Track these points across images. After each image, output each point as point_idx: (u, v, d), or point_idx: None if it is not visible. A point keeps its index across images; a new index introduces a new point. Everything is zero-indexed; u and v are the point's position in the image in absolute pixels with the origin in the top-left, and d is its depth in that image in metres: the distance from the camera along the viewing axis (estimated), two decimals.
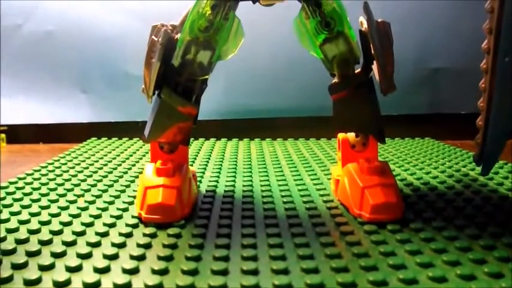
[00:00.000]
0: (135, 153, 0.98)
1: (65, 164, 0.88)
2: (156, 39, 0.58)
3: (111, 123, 1.18)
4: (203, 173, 0.80)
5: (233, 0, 0.58)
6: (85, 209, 0.62)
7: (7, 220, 0.58)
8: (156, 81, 0.57)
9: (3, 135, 1.20)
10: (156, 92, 0.60)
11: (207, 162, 0.88)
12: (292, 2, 0.60)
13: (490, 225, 0.55)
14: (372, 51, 0.58)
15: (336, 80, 0.62)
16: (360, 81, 0.60)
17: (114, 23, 1.17)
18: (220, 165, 0.86)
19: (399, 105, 1.17)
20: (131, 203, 0.63)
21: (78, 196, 0.67)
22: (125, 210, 0.61)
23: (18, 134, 1.21)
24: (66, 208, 0.62)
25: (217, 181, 0.75)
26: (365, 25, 0.60)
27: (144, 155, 0.94)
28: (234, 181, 0.75)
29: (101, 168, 0.84)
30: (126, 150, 1.01)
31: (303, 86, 1.10)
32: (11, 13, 1.20)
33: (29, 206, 0.63)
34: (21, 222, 0.57)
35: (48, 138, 1.21)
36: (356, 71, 0.62)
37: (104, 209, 0.61)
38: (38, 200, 0.66)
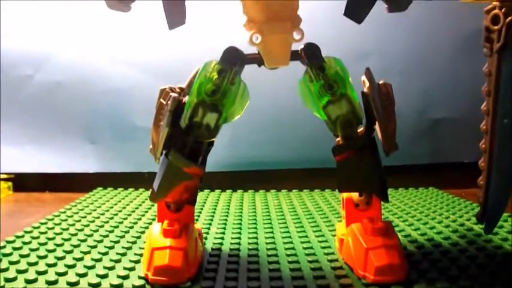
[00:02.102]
0: (140, 205, 0.99)
1: (71, 216, 0.89)
2: (164, 102, 0.59)
3: (117, 173, 1.19)
4: (208, 228, 0.81)
5: (239, 65, 0.60)
6: (92, 267, 0.62)
7: (14, 279, 0.59)
8: (164, 145, 0.59)
9: (9, 183, 1.21)
10: (164, 152, 0.61)
11: (213, 216, 0.89)
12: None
13: (494, 285, 0.55)
14: (374, 114, 0.59)
15: (339, 140, 0.64)
16: (363, 143, 0.61)
17: (122, 75, 1.19)
18: (226, 219, 0.86)
19: (402, 156, 1.17)
20: (137, 262, 0.64)
21: (85, 253, 0.68)
22: (132, 269, 0.61)
23: (25, 183, 1.23)
24: (73, 266, 0.63)
25: (222, 238, 0.75)
26: (367, 85, 0.62)
27: (149, 208, 0.95)
28: (239, 238, 0.75)
29: (107, 222, 0.85)
30: (132, 202, 1.02)
31: (307, 138, 1.12)
32: (22, 64, 1.22)
33: (35, 264, 0.64)
34: (28, 282, 0.57)
35: (55, 187, 1.22)
36: (359, 130, 0.63)
37: (111, 268, 0.62)
38: (45, 257, 0.66)
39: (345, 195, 0.66)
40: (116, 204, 0.99)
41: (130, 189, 1.14)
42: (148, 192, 0.93)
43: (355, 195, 0.66)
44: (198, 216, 0.89)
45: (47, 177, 1.23)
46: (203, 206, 0.98)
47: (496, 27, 0.56)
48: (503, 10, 0.56)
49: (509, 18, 0.55)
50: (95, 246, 0.71)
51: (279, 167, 1.17)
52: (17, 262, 0.64)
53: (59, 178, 1.22)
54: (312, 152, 1.11)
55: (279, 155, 1.17)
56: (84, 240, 0.74)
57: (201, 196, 1.04)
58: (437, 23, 1.19)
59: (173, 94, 0.59)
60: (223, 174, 1.13)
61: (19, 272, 0.61)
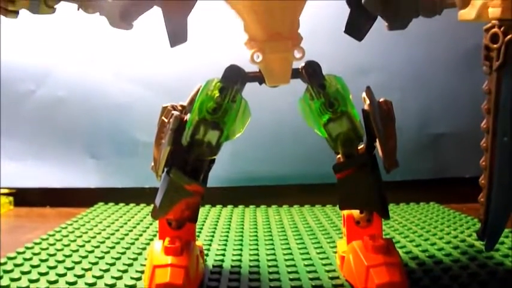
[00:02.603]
0: (142, 221, 0.99)
1: (73, 232, 0.89)
2: (166, 120, 0.60)
3: (118, 188, 1.19)
4: (210, 245, 0.81)
5: (240, 83, 0.61)
6: (93, 284, 0.63)
7: None
8: (166, 162, 0.59)
9: (10, 198, 1.21)
10: (165, 170, 0.61)
11: (214, 232, 0.89)
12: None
13: None
14: (375, 131, 0.60)
15: (339, 157, 0.64)
16: (364, 160, 0.62)
17: (124, 90, 1.20)
18: (227, 235, 0.86)
19: (403, 171, 1.17)
20: (139, 279, 0.64)
21: (86, 270, 0.68)
22: (133, 287, 0.61)
23: (26, 197, 1.23)
24: (74, 283, 0.63)
25: (223, 254, 0.75)
26: (368, 102, 0.62)
27: (151, 224, 0.95)
28: (240, 255, 0.75)
29: (108, 238, 0.85)
30: (133, 217, 1.02)
31: (308, 153, 1.12)
32: (25, 79, 1.23)
33: (37, 281, 0.64)
34: None
35: (56, 202, 1.22)
36: (360, 147, 0.63)
37: (112, 285, 0.62)
38: (46, 274, 0.67)
39: (345, 212, 0.66)
40: (117, 219, 1.00)
41: (132, 205, 1.14)
42: (150, 208, 0.93)
43: (356, 213, 0.66)
44: (200, 232, 0.89)
45: (48, 192, 1.23)
46: (204, 221, 0.98)
47: (495, 46, 0.57)
48: (502, 29, 0.56)
49: (508, 36, 0.56)
50: (96, 263, 0.71)
51: (280, 183, 1.17)
52: (18, 279, 0.65)
53: (60, 193, 1.22)
54: (313, 167, 1.12)
55: (280, 171, 1.17)
56: (86, 257, 0.74)
57: (202, 211, 1.04)
58: (437, 38, 1.19)
59: (175, 112, 0.60)
60: (225, 190, 1.13)
61: None
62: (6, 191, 1.21)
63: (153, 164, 0.62)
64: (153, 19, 0.60)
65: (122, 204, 1.14)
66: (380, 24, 0.62)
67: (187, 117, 0.61)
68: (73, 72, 1.22)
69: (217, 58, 1.10)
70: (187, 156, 0.61)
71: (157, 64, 1.19)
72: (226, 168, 1.12)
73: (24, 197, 1.23)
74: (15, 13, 0.58)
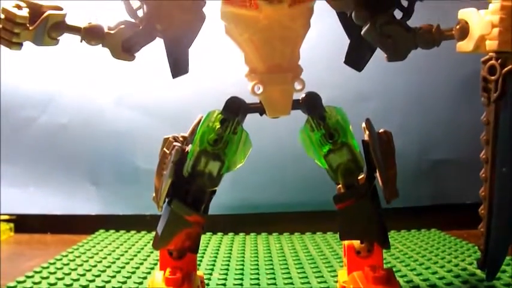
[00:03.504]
0: (142, 248, 0.99)
1: (73, 260, 0.89)
2: (167, 151, 0.60)
3: (119, 215, 1.20)
4: (211, 274, 0.81)
5: (241, 115, 0.62)
6: None
7: None
8: (167, 193, 0.60)
9: (11, 225, 1.21)
10: (167, 200, 0.62)
11: (215, 261, 0.89)
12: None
13: None
14: (375, 163, 0.60)
15: (340, 187, 0.64)
16: (364, 191, 0.62)
17: (126, 117, 1.21)
18: (228, 264, 0.86)
19: (404, 198, 1.17)
20: None
21: None
22: None
23: (27, 224, 1.23)
24: None
25: (224, 284, 0.75)
26: (368, 133, 0.63)
27: (152, 252, 0.95)
28: (241, 284, 0.75)
29: (109, 267, 0.85)
30: (134, 245, 1.02)
31: (309, 180, 1.12)
32: (27, 106, 1.24)
33: None
34: None
35: (57, 229, 1.22)
36: (360, 177, 0.64)
37: None
38: None
39: (346, 242, 0.67)
40: (117, 247, 1.00)
41: (132, 232, 1.14)
42: (150, 235, 0.93)
43: (356, 243, 0.66)
44: (201, 260, 0.89)
45: (49, 219, 1.23)
46: (205, 249, 0.98)
47: (492, 78, 0.58)
48: (499, 61, 0.57)
49: (506, 69, 0.57)
50: None
51: (281, 210, 1.17)
52: None
53: (61, 220, 1.22)
54: (313, 194, 1.12)
55: (281, 198, 1.17)
56: (86, 286, 0.74)
57: (203, 239, 1.04)
58: (437, 64, 1.20)
59: (176, 144, 0.60)
60: (225, 217, 1.13)
61: None
62: (6, 217, 1.21)
63: (154, 194, 0.63)
64: (155, 48, 0.61)
65: (122, 232, 1.14)
66: (380, 50, 0.63)
67: (189, 148, 0.61)
68: (75, 99, 1.23)
69: (218, 86, 1.12)
70: (189, 186, 0.61)
71: (159, 92, 1.20)
72: (227, 196, 1.12)
73: (24, 224, 1.22)
74: (19, 45, 0.58)
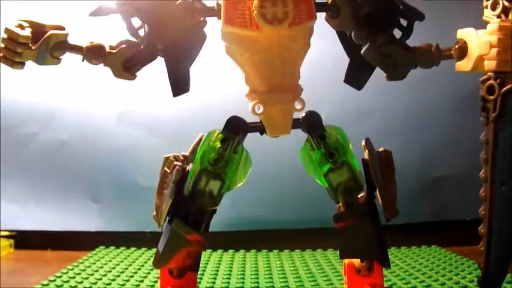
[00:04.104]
0: (143, 265, 0.98)
1: (73, 277, 0.89)
2: (168, 171, 0.61)
3: (119, 232, 1.19)
4: None
5: (242, 134, 0.62)
6: None
7: None
8: (168, 212, 0.60)
9: (11, 241, 1.21)
10: (167, 219, 0.62)
11: (215, 278, 0.89)
12: None
13: None
14: (375, 182, 0.61)
15: (340, 206, 0.64)
16: (364, 210, 0.62)
17: (127, 134, 1.21)
18: (228, 282, 0.86)
19: (404, 214, 1.17)
20: None
21: None
22: None
23: (27, 240, 1.22)
24: None
25: None
26: (367, 152, 0.63)
27: (152, 269, 0.95)
28: None
29: (109, 284, 0.85)
30: (134, 262, 1.02)
31: (309, 197, 1.12)
32: (28, 122, 1.24)
33: None
34: None
35: (57, 245, 1.22)
36: (360, 196, 0.64)
37: None
38: None
39: (346, 260, 0.67)
40: (118, 264, 0.99)
41: (133, 249, 1.14)
42: (150, 252, 0.93)
43: (356, 261, 0.66)
44: (201, 278, 0.89)
45: (49, 235, 1.23)
46: (206, 266, 0.97)
47: (491, 97, 0.58)
48: (497, 81, 0.58)
49: (504, 88, 0.57)
50: None
51: (282, 227, 1.17)
52: None
53: (61, 236, 1.22)
54: (314, 211, 1.12)
55: (281, 215, 1.17)
56: None
57: (203, 256, 1.04)
58: (437, 81, 1.21)
59: (177, 163, 0.60)
60: (226, 234, 1.13)
61: None
62: (6, 233, 1.21)
63: (155, 213, 0.63)
64: (156, 66, 0.62)
65: (122, 248, 1.14)
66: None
67: (189, 167, 0.62)
68: (76, 116, 1.23)
69: (219, 103, 1.12)
70: (189, 205, 0.62)
71: (160, 109, 1.20)
72: (227, 213, 1.12)
73: (24, 240, 1.22)
74: (22, 64, 0.59)
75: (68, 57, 0.62)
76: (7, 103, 1.22)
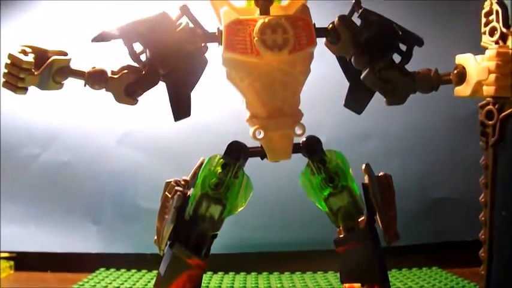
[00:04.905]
0: None
1: None
2: (169, 195, 0.61)
3: (120, 254, 1.19)
4: None
5: (242, 159, 0.62)
6: None
7: None
8: (169, 237, 0.60)
9: (11, 262, 1.21)
10: (168, 243, 0.62)
11: None
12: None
13: None
14: (375, 207, 0.61)
15: (340, 230, 0.65)
16: (364, 234, 0.62)
17: (127, 156, 1.21)
18: None
19: (405, 236, 1.17)
20: None
21: None
22: None
23: (27, 262, 1.22)
24: None
25: None
26: (367, 177, 0.63)
27: None
28: None
29: None
30: (134, 284, 1.01)
31: (310, 219, 1.11)
32: (30, 143, 1.24)
33: None
34: None
35: (57, 267, 1.21)
36: (360, 219, 0.64)
37: None
38: None
39: (347, 284, 0.67)
40: (118, 286, 0.99)
41: (133, 271, 1.13)
42: (151, 274, 0.93)
43: (357, 285, 0.66)
44: None
45: (49, 257, 1.22)
46: None
47: (490, 122, 0.59)
48: (496, 106, 0.58)
49: (503, 114, 0.58)
50: None
51: (282, 249, 1.17)
52: None
53: (62, 258, 1.21)
54: (314, 233, 1.11)
55: (282, 237, 1.17)
56: None
57: (204, 279, 1.03)
58: (437, 102, 1.20)
59: (178, 189, 0.61)
60: (226, 256, 1.12)
61: None
62: (6, 254, 1.21)
63: (156, 237, 0.63)
64: (158, 89, 0.62)
65: (123, 270, 1.14)
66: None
67: (190, 192, 0.62)
68: (77, 137, 1.23)
69: (220, 126, 1.13)
70: (190, 230, 0.62)
71: (161, 131, 1.21)
72: (228, 235, 1.11)
73: (24, 261, 1.22)
74: (25, 89, 0.60)
75: (69, 80, 0.62)
76: (7, 124, 1.22)
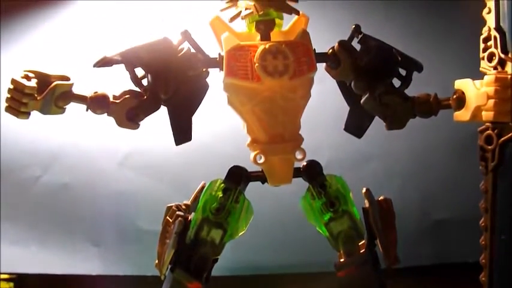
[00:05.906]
0: None
1: None
2: (170, 220, 0.61)
3: (120, 276, 1.19)
4: None
5: (243, 183, 0.63)
6: None
7: None
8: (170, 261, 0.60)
9: (11, 284, 1.20)
10: (169, 267, 0.62)
11: None
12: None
13: None
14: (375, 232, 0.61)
15: (341, 253, 0.65)
16: (365, 259, 0.62)
17: (128, 178, 1.21)
18: None
19: (405, 258, 1.16)
20: None
21: None
22: None
23: (28, 283, 1.22)
24: None
25: None
26: (367, 201, 0.64)
27: None
28: None
29: None
30: None
31: (311, 241, 1.12)
32: (31, 165, 1.24)
33: None
34: None
35: None
36: (360, 243, 0.64)
37: None
38: None
39: None
40: None
41: None
42: None
43: None
44: None
45: (50, 279, 1.22)
46: None
47: (489, 147, 0.59)
48: (495, 131, 0.59)
49: (502, 139, 0.58)
50: None
51: (283, 271, 1.16)
52: None
53: (62, 280, 1.21)
54: (315, 255, 1.11)
55: (283, 259, 1.17)
56: None
57: None
58: (437, 123, 1.20)
59: (179, 213, 0.61)
60: (227, 279, 1.12)
61: None
62: (6, 276, 1.21)
63: (157, 261, 0.63)
64: (159, 112, 0.63)
65: None
66: None
67: (191, 216, 0.62)
68: (79, 159, 1.23)
69: (221, 149, 1.13)
70: (191, 254, 0.62)
71: (162, 153, 1.21)
72: (228, 257, 1.11)
73: (25, 283, 1.21)
74: (27, 114, 0.60)
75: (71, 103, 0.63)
76: (7, 146, 1.23)
